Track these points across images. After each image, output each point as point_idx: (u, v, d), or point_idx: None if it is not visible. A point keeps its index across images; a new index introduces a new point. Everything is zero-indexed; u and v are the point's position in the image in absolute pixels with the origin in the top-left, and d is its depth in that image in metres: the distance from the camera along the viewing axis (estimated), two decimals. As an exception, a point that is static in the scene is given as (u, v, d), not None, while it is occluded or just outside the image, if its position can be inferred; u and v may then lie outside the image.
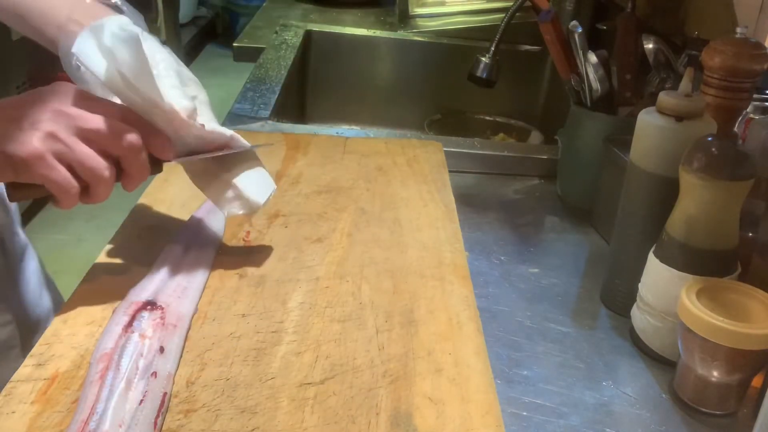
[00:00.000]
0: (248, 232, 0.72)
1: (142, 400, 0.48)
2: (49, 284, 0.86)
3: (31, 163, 0.51)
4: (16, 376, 0.52)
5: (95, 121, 0.54)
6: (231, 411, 0.50)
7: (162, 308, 0.57)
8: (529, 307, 0.72)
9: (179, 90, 0.58)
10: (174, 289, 0.60)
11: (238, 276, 0.65)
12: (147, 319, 0.55)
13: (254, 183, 0.65)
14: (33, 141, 0.51)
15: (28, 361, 0.53)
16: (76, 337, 0.56)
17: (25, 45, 2.11)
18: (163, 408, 0.49)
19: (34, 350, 0.54)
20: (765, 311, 0.58)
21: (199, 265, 0.65)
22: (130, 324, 0.54)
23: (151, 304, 0.57)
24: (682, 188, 0.62)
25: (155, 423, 0.48)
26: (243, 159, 0.66)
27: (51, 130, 0.52)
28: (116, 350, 0.52)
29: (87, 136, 0.53)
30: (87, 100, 0.55)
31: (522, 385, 0.62)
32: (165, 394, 0.50)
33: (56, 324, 0.57)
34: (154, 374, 0.51)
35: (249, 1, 4.11)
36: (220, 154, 0.63)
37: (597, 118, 0.90)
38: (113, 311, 0.57)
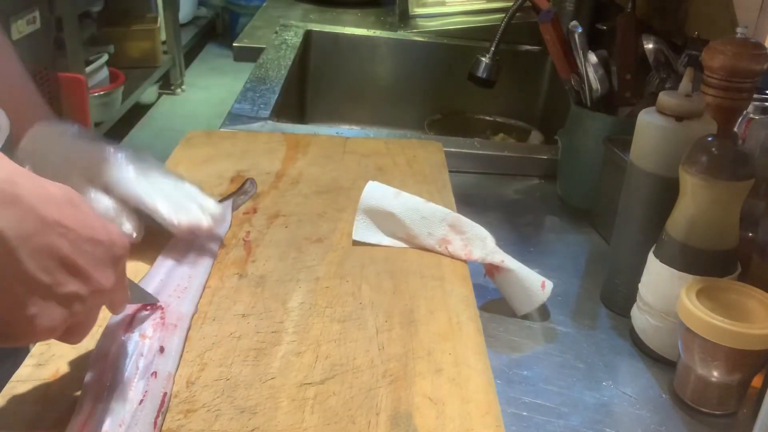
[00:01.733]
0: (248, 232, 0.72)
1: (142, 400, 0.48)
2: None
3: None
4: (16, 376, 0.51)
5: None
6: (231, 411, 0.50)
7: (162, 308, 0.57)
8: (529, 307, 0.72)
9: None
10: (174, 289, 0.60)
11: (238, 276, 0.65)
12: (147, 319, 0.55)
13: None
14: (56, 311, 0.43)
15: (28, 361, 0.53)
16: (76, 337, 0.56)
17: (25, 45, 2.11)
18: (163, 408, 0.49)
19: (34, 350, 0.54)
20: (765, 311, 0.58)
21: (200, 265, 0.65)
22: (130, 324, 0.54)
23: (151, 304, 0.57)
24: (682, 188, 0.62)
25: (155, 423, 0.48)
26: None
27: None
28: (116, 350, 0.52)
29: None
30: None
31: (522, 385, 0.62)
32: (165, 394, 0.50)
33: (56, 324, 0.57)
34: (154, 374, 0.50)
35: (249, 1, 4.10)
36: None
37: (597, 118, 0.90)
38: None
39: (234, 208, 0.76)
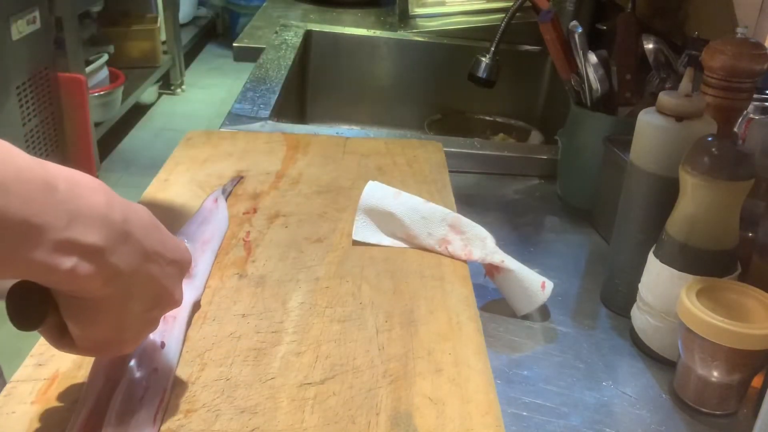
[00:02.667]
0: (248, 232, 0.72)
1: (142, 396, 0.48)
2: None
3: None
4: (16, 376, 0.52)
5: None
6: (231, 411, 0.50)
7: None
8: (529, 307, 0.72)
9: None
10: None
11: (238, 276, 0.65)
12: None
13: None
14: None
15: (28, 361, 0.53)
16: (76, 337, 0.56)
17: (25, 45, 2.11)
18: (163, 403, 0.49)
19: (34, 350, 0.54)
20: (765, 311, 0.58)
21: (201, 262, 0.65)
22: None
23: None
24: (682, 188, 0.62)
25: (154, 418, 0.48)
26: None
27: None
28: None
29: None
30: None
31: (522, 385, 0.62)
32: (165, 389, 0.50)
33: (56, 324, 0.57)
34: (156, 370, 0.51)
35: (249, 1, 4.11)
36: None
37: (597, 118, 0.90)
38: None
39: (226, 196, 0.78)
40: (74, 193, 0.38)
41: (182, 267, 0.48)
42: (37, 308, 0.41)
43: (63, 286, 0.39)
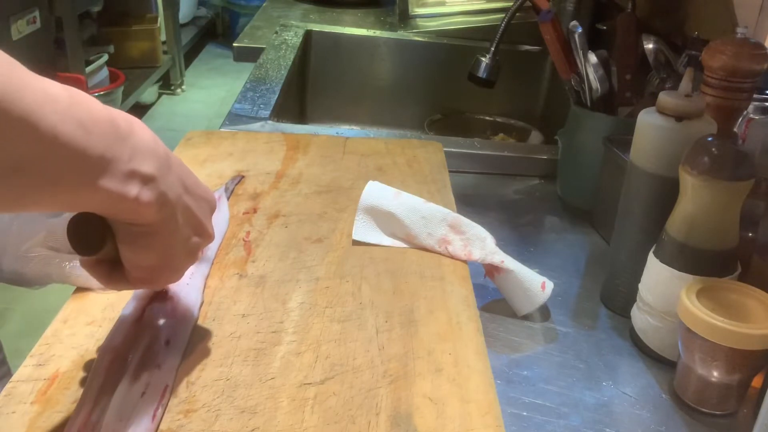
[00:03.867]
0: (248, 233, 0.72)
1: (144, 392, 0.48)
2: None
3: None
4: (16, 376, 0.51)
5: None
6: (231, 411, 0.50)
7: (173, 299, 0.57)
8: (529, 307, 0.72)
9: None
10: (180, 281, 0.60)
11: (238, 276, 0.65)
12: (158, 311, 0.55)
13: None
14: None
15: (28, 361, 0.53)
16: (76, 337, 0.56)
17: (25, 45, 2.11)
18: (163, 400, 0.49)
19: (34, 350, 0.54)
20: (765, 311, 0.58)
21: (203, 259, 0.65)
22: (140, 317, 0.55)
23: (161, 296, 0.57)
24: (682, 188, 0.62)
25: (154, 415, 0.48)
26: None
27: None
28: (124, 342, 0.52)
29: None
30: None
31: (522, 385, 0.62)
32: (167, 386, 0.50)
33: (56, 324, 0.57)
34: (159, 366, 0.51)
35: (249, 1, 4.11)
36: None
37: (597, 118, 0.90)
38: (126, 302, 0.57)
39: (228, 195, 0.78)
40: (131, 129, 0.43)
41: (210, 204, 0.53)
42: (97, 235, 0.45)
43: (127, 213, 0.43)
